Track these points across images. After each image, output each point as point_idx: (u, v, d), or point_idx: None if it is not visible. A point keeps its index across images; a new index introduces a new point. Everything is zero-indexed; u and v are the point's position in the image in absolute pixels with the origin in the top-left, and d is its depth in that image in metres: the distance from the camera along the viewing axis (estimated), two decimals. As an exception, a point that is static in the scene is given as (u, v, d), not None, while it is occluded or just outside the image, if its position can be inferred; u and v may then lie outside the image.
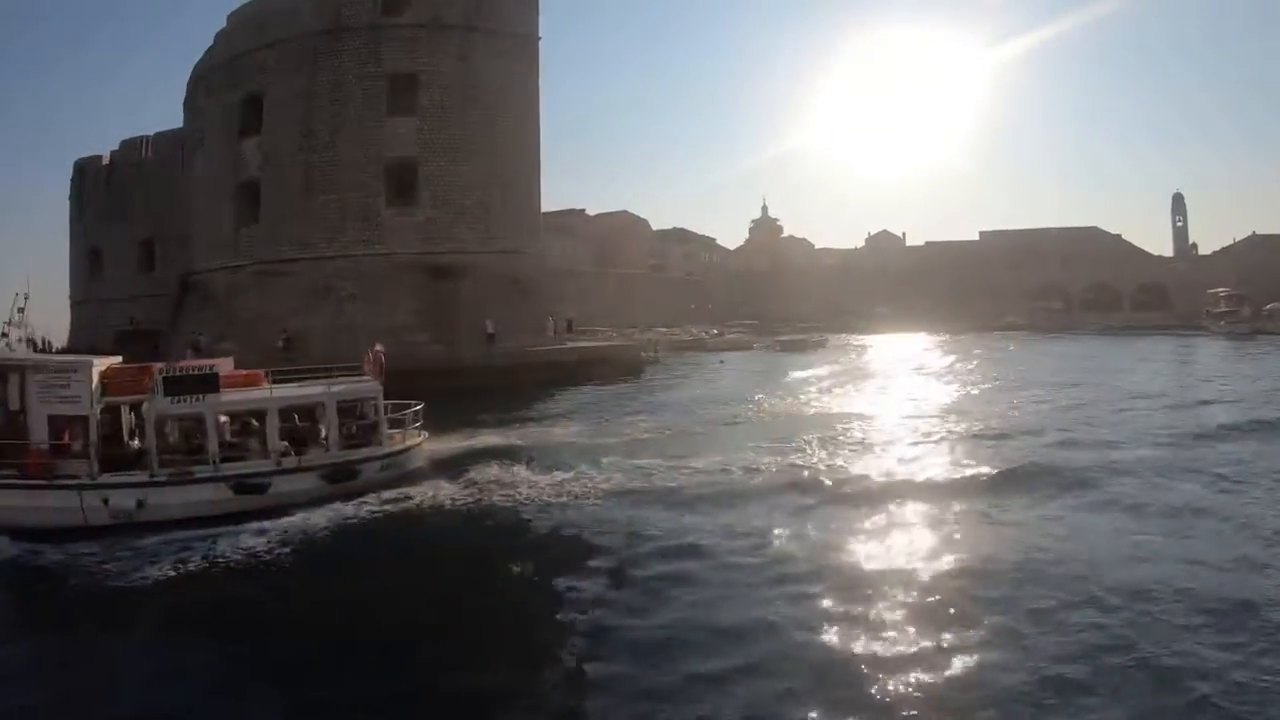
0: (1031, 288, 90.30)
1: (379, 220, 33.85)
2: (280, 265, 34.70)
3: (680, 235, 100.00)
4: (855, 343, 59.15)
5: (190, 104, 41.90)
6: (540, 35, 36.51)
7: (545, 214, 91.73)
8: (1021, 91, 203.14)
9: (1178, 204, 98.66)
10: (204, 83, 39.85)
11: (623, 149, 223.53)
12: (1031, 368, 35.21)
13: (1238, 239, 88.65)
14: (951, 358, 41.72)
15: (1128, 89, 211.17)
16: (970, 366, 36.88)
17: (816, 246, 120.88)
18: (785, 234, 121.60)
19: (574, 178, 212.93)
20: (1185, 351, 45.36)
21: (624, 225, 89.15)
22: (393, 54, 34.17)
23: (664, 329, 64.12)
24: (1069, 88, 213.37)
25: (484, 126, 34.52)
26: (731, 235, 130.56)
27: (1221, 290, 68.39)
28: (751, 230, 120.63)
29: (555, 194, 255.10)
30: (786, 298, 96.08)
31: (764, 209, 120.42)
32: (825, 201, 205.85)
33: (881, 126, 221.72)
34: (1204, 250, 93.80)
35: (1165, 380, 30.03)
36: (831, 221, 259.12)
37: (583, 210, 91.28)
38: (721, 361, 41.06)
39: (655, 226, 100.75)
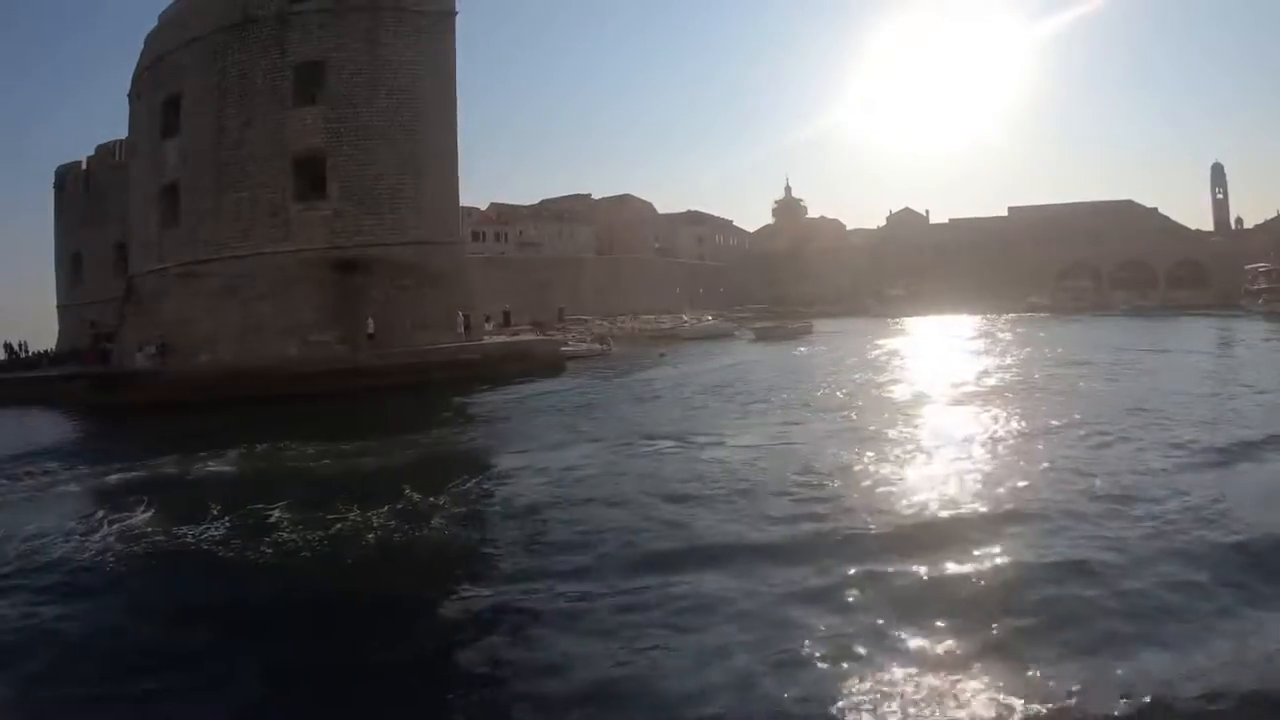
0: (1061, 266, 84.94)
1: (287, 216, 32.73)
2: (197, 266, 34.00)
3: (693, 218, 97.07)
4: (837, 329, 55.66)
5: (131, 107, 41.65)
6: (456, 10, 34.72)
7: (550, 200, 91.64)
8: (1062, 67, 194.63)
9: (1217, 175, 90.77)
10: (137, 85, 39.55)
11: (648, 135, 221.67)
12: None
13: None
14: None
15: (1171, 60, 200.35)
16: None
17: (849, 227, 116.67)
18: (816, 215, 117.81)
19: (587, 164, 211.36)
20: (1197, 338, 40.32)
21: (626, 208, 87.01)
22: (298, 42, 32.96)
23: (650, 316, 62.17)
24: (1110, 61, 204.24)
25: (394, 112, 33.04)
26: (760, 219, 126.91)
27: (1261, 266, 62.54)
28: (774, 211, 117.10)
29: (563, 180, 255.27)
30: (806, 280, 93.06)
31: (787, 189, 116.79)
32: (860, 183, 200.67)
33: (918, 107, 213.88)
34: (1250, 225, 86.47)
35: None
36: (869, 203, 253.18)
37: (588, 195, 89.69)
38: (662, 355, 38.63)
39: (682, 211, 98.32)
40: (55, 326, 57.17)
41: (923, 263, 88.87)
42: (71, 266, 54.74)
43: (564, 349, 36.49)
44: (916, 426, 16.24)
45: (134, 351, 35.00)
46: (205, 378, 28.97)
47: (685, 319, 61.12)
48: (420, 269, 32.75)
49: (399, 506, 11.73)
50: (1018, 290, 79.67)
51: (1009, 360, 30.47)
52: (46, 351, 51.93)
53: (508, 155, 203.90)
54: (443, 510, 11.44)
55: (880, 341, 42.89)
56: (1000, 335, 45.89)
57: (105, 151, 53.46)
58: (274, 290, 32.27)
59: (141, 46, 39.17)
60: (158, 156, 36.48)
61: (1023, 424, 15.93)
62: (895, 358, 33.36)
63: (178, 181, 35.23)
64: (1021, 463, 12.54)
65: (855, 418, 17.68)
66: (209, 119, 34.04)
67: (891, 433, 15.54)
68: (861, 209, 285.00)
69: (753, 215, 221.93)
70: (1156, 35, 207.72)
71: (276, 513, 11.93)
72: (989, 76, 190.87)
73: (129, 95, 41.50)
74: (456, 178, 34.80)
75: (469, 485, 12.64)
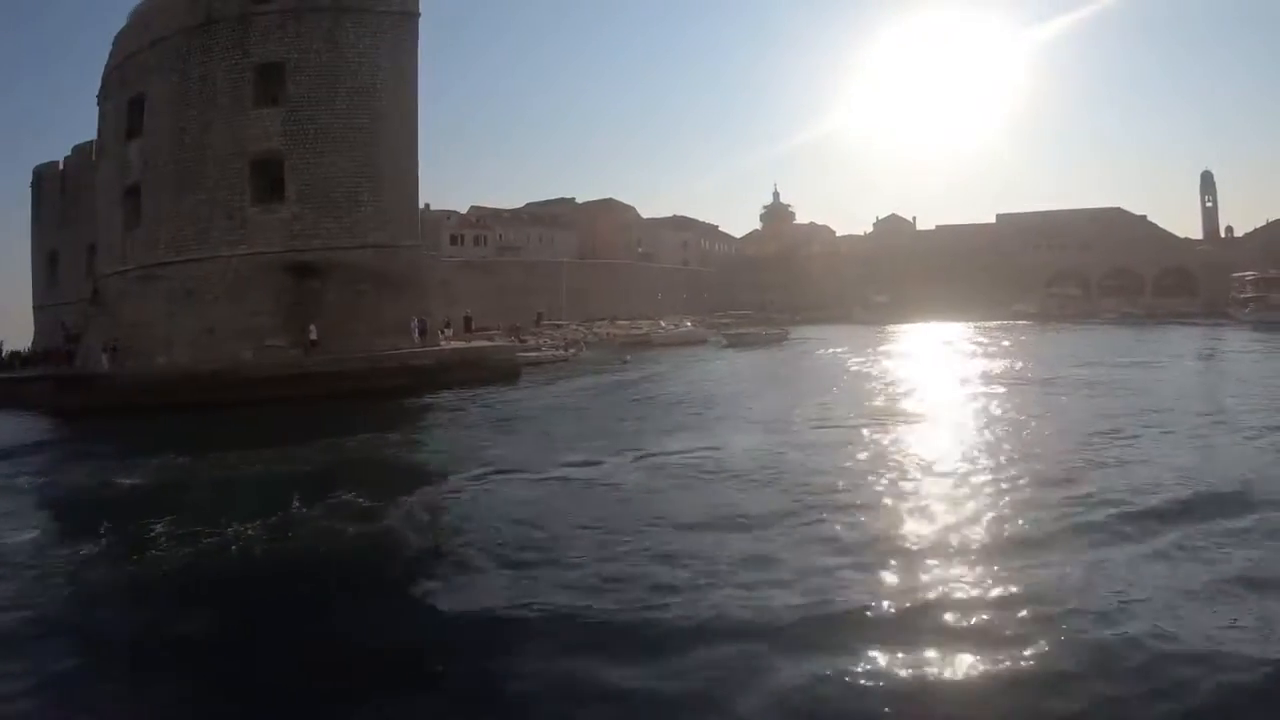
0: (1050, 273, 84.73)
1: (245, 218, 32.51)
2: (156, 269, 33.82)
3: (678, 223, 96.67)
4: (815, 336, 55.22)
5: (100, 108, 41.51)
6: (419, 12, 34.51)
7: (532, 203, 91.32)
8: (1057, 73, 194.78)
9: (1207, 183, 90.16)
10: (105, 86, 39.42)
11: (637, 141, 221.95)
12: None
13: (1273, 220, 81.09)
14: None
15: (1163, 67, 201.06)
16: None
17: (840, 234, 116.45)
18: (807, 221, 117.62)
19: (575, 169, 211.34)
20: (1179, 348, 39.46)
21: (609, 213, 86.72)
22: (259, 43, 32.77)
23: (626, 321, 61.94)
24: (1101, 69, 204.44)
25: (354, 114, 32.79)
26: (750, 225, 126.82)
27: (1248, 274, 62.34)
28: (762, 217, 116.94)
29: (549, 185, 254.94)
30: (794, 286, 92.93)
31: (775, 195, 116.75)
32: (852, 189, 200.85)
33: (910, 113, 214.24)
34: (1240, 234, 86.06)
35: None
36: (863, 209, 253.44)
37: (571, 199, 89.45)
38: (626, 361, 38.34)
39: (668, 216, 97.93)
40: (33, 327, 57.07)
41: (910, 269, 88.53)
42: (47, 267, 54.66)
43: (523, 355, 36.26)
44: (822, 454, 14.83)
45: (98, 353, 34.88)
46: (155, 381, 28.76)
47: (662, 325, 60.77)
48: (378, 273, 32.53)
49: (272, 520, 11.51)
50: (1006, 297, 79.52)
51: (965, 374, 29.33)
52: (19, 352, 51.87)
53: (493, 159, 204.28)
54: (313, 523, 11.25)
55: (844, 351, 42.35)
56: (974, 344, 45.57)
57: (81, 152, 53.35)
58: (230, 293, 32.07)
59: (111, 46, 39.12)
60: (122, 158, 36.34)
61: (916, 459, 14.11)
62: (845, 370, 32.68)
63: (140, 183, 35.10)
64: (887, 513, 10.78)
65: (760, 440, 16.47)
66: (170, 120, 33.87)
67: (790, 457, 14.50)
68: (857, 215, 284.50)
69: (744, 221, 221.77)
70: (1147, 42, 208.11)
71: (160, 527, 11.67)
72: (980, 83, 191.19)
73: (98, 96, 41.39)
74: (416, 181, 34.57)
75: (347, 498, 12.38)
